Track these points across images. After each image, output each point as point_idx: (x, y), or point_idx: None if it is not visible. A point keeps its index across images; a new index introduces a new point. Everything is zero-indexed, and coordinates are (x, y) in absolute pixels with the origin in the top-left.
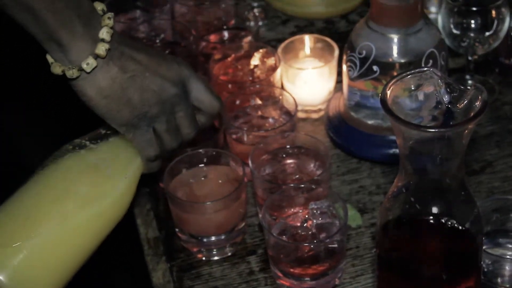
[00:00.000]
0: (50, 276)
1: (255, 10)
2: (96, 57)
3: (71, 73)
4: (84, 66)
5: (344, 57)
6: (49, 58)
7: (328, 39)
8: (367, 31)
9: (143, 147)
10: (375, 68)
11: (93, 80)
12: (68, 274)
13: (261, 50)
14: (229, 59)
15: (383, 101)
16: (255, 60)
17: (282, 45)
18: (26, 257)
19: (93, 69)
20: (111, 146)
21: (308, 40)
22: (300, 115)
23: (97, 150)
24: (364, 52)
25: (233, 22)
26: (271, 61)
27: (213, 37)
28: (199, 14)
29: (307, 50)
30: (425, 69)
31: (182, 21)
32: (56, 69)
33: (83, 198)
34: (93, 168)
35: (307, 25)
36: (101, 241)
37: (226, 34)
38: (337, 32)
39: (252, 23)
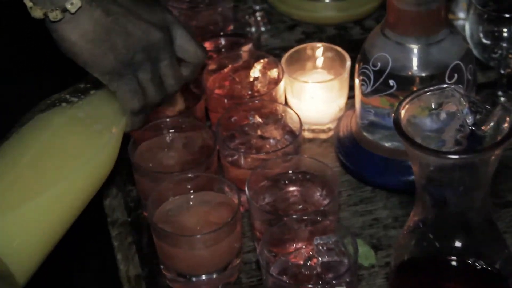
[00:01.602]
0: (41, 240)
1: (257, 14)
2: None
3: (55, 15)
4: (68, 6)
5: (357, 69)
6: (27, 2)
7: (339, 48)
8: (383, 40)
9: (127, 97)
10: (391, 82)
11: (76, 22)
12: (58, 235)
13: (262, 60)
14: (226, 70)
15: (396, 121)
16: (255, 72)
17: (287, 54)
18: (17, 223)
19: (77, 10)
20: (94, 100)
21: (316, 49)
22: (306, 135)
23: (80, 105)
24: (379, 64)
25: (231, 27)
26: (273, 73)
27: (208, 45)
28: (192, 19)
29: (315, 60)
30: (445, 85)
31: None
32: (37, 12)
33: (74, 155)
34: (80, 123)
35: (316, 32)
36: (89, 200)
37: (223, 41)
38: (350, 40)
39: (253, 29)
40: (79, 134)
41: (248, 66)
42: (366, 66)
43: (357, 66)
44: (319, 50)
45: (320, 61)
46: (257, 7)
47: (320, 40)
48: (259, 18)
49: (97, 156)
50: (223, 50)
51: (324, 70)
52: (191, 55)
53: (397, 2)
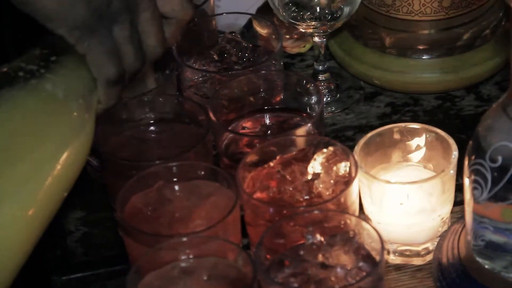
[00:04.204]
0: (15, 245)
1: (320, 78)
2: None
3: None
4: None
5: (467, 164)
6: None
7: (442, 132)
8: (506, 124)
9: (102, 61)
10: None
11: None
12: (36, 236)
13: (326, 150)
14: (272, 163)
15: None
16: (315, 167)
17: (363, 140)
18: None
19: None
20: (58, 68)
21: (407, 131)
22: (392, 260)
23: (43, 74)
24: (499, 158)
25: (280, 98)
26: (342, 168)
27: (246, 124)
28: (225, 86)
29: (406, 149)
30: None
31: (193, 95)
32: None
33: (47, 140)
34: (49, 97)
35: (407, 104)
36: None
37: (267, 119)
38: (457, 117)
39: (313, 101)
40: (51, 112)
41: (305, 159)
42: (481, 160)
43: (467, 159)
44: (411, 133)
45: (413, 150)
46: (320, 68)
47: (414, 118)
48: (323, 84)
49: (74, 140)
50: (268, 133)
51: (419, 163)
52: (175, 8)
53: None
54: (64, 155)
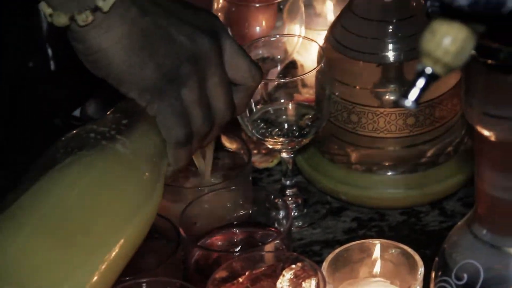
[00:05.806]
0: None
1: (288, 193)
2: None
3: (84, 17)
4: (100, 3)
5: (433, 281)
6: (46, 8)
7: (408, 249)
8: (471, 241)
9: (171, 123)
10: None
11: (109, 25)
12: None
13: (294, 266)
14: (241, 279)
15: None
16: (284, 283)
17: (331, 255)
18: None
19: (111, 7)
20: (130, 132)
21: (373, 247)
22: None
23: (113, 136)
24: (465, 276)
25: (249, 212)
26: (311, 284)
27: (217, 239)
28: (195, 203)
29: (372, 264)
30: None
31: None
32: (61, 19)
33: (124, 205)
34: (123, 161)
35: (373, 219)
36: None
37: (236, 234)
38: (422, 233)
39: (281, 215)
40: (121, 172)
41: (274, 274)
42: (447, 278)
43: (433, 275)
44: (376, 248)
45: (378, 266)
46: (288, 182)
47: (380, 233)
48: (290, 199)
49: (145, 205)
50: (236, 248)
51: (386, 279)
52: (244, 75)
53: (490, 188)
54: (135, 220)
